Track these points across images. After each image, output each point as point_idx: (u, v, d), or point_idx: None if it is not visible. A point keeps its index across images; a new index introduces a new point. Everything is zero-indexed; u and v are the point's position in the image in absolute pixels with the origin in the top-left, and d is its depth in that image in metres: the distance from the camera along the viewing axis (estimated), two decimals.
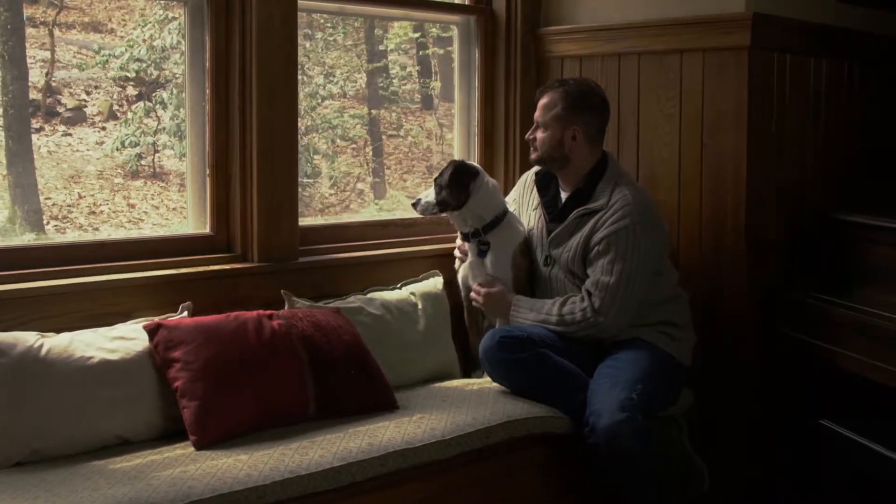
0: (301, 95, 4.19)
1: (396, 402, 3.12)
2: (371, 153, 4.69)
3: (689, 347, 3.42)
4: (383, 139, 4.71)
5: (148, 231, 3.72)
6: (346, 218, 4.00)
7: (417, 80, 5.07)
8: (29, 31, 3.62)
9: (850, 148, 3.85)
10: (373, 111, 4.69)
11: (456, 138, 4.13)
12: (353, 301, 3.40)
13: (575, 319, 3.24)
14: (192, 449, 2.73)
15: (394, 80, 4.85)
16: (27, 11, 3.43)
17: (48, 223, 3.63)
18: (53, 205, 3.79)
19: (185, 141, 3.44)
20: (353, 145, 4.48)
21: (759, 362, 3.53)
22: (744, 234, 3.49)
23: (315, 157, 4.38)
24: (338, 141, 4.52)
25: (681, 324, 3.39)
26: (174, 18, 3.81)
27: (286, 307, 3.24)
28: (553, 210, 3.45)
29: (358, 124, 4.41)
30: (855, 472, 3.11)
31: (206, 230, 3.37)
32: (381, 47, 5.03)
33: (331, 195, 4.66)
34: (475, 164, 3.57)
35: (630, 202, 3.27)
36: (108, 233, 3.75)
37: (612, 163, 3.42)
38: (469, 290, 3.57)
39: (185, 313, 3.06)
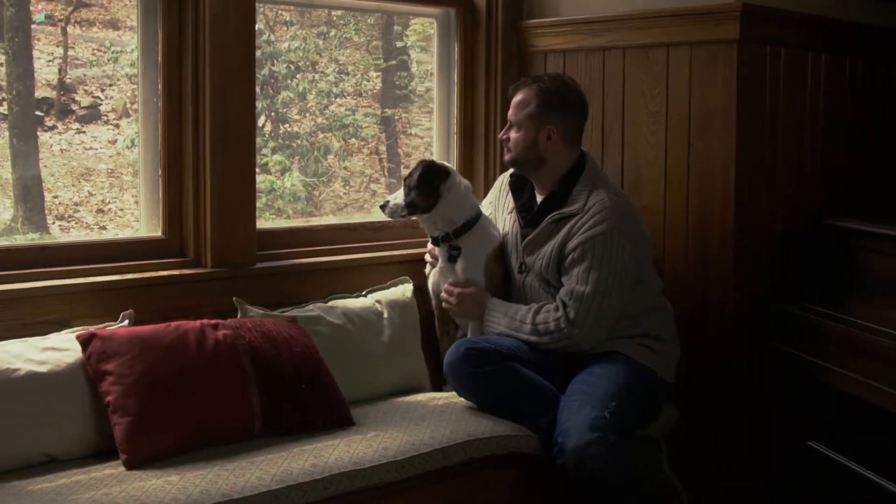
0: (313, 94, 4.04)
1: (352, 419, 2.93)
2: (385, 152, 4.56)
3: (672, 362, 3.21)
4: (400, 138, 4.56)
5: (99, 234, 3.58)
6: (312, 221, 3.82)
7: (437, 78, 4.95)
8: (48, 28, 3.52)
9: (851, 149, 3.62)
10: (387, 110, 4.55)
11: (435, 137, 3.94)
12: (312, 309, 3.22)
13: (549, 329, 3.04)
14: (123, 468, 2.56)
15: (414, 79, 4.71)
16: (47, 8, 3.33)
17: (53, 223, 3.52)
18: (60, 203, 3.68)
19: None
20: (368, 145, 4.35)
21: (747, 378, 3.32)
22: (732, 241, 3.27)
23: (327, 156, 4.26)
24: (351, 140, 4.39)
25: (663, 336, 3.18)
26: None
27: (239, 316, 3.06)
28: (527, 214, 3.25)
29: (372, 123, 4.27)
30: (844, 497, 2.89)
31: (159, 233, 3.19)
32: (399, 44, 4.91)
33: (344, 195, 4.54)
34: (446, 163, 3.37)
35: (607, 206, 3.06)
36: (115, 232, 3.63)
37: (589, 164, 3.22)
38: (440, 297, 3.37)
39: (127, 322, 2.89)
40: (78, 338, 2.73)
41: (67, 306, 2.89)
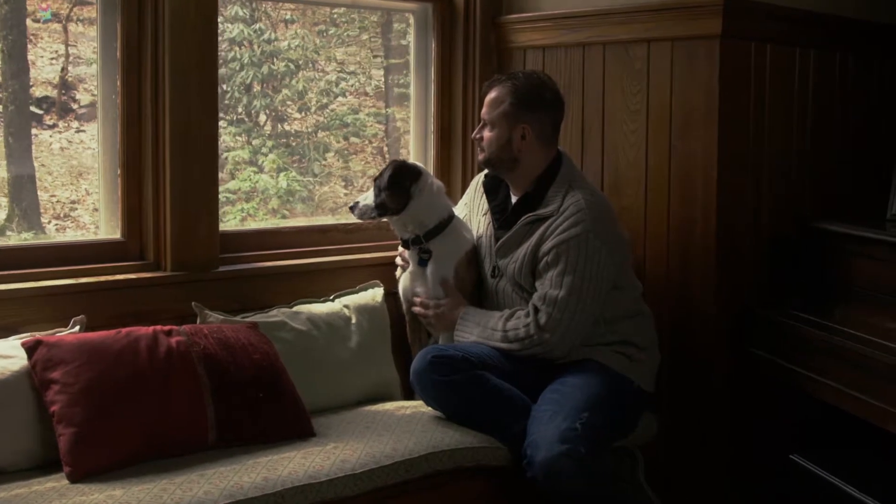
0: (312, 93, 3.93)
1: (312, 429, 2.81)
2: (387, 152, 4.48)
3: (652, 370, 3.09)
4: (404, 137, 4.49)
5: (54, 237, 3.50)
6: (280, 222, 3.70)
7: None
8: (53, 26, 3.44)
9: (842, 150, 3.49)
10: (388, 108, 4.45)
11: (412, 137, 3.83)
12: (276, 315, 3.10)
13: (518, 336, 2.92)
14: (66, 482, 2.45)
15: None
16: (52, 6, 3.24)
17: (49, 222, 3.43)
18: (57, 202, 3.59)
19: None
20: (371, 144, 4.25)
21: (730, 387, 3.19)
22: (714, 244, 3.15)
23: (327, 155, 4.16)
24: (353, 139, 4.30)
25: (642, 344, 3.05)
26: None
27: (198, 321, 2.95)
28: (501, 216, 3.13)
29: (374, 122, 4.17)
30: None
31: (118, 235, 3.09)
32: (402, 42, 4.83)
33: (346, 195, 4.45)
34: (418, 164, 3.26)
35: (583, 208, 2.94)
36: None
37: (566, 164, 3.10)
38: (411, 302, 3.26)
39: (78, 328, 2.78)
40: (23, 345, 2.62)
41: (18, 311, 2.78)
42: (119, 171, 3.08)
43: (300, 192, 3.89)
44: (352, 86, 4.14)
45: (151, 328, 2.74)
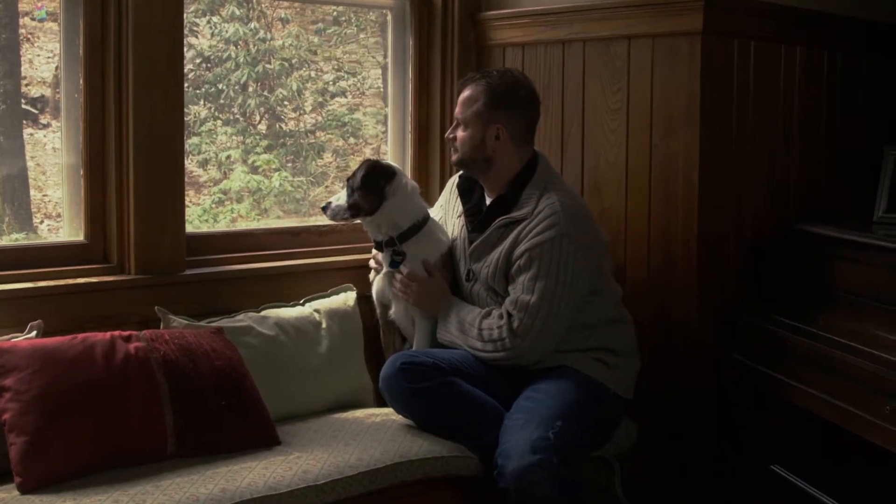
0: (308, 93, 3.86)
1: (277, 438, 2.73)
2: (386, 151, 4.44)
3: (630, 376, 3.00)
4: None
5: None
6: (252, 225, 3.61)
7: None
8: (49, 25, 3.39)
9: (830, 151, 3.41)
10: (387, 108, 4.40)
11: (389, 136, 3.74)
12: (242, 319, 3.02)
13: (492, 336, 2.85)
14: (17, 492, 2.37)
15: None
16: (48, 6, 3.18)
17: (41, 221, 3.37)
18: (49, 201, 3.53)
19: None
20: (370, 145, 4.19)
21: (712, 395, 3.11)
22: (696, 247, 3.08)
23: (324, 155, 4.10)
24: (350, 139, 4.24)
25: (621, 350, 2.97)
26: None
27: (162, 326, 2.87)
28: (475, 218, 3.04)
29: (373, 122, 4.11)
30: None
31: (81, 238, 3.01)
32: None
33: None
34: (392, 163, 3.17)
35: (558, 210, 2.85)
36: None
37: (542, 165, 3.01)
38: (384, 306, 3.18)
39: (34, 333, 2.70)
40: None
41: None
42: (82, 172, 3.00)
43: (293, 193, 3.82)
44: (351, 85, 4.07)
45: (109, 334, 2.65)
